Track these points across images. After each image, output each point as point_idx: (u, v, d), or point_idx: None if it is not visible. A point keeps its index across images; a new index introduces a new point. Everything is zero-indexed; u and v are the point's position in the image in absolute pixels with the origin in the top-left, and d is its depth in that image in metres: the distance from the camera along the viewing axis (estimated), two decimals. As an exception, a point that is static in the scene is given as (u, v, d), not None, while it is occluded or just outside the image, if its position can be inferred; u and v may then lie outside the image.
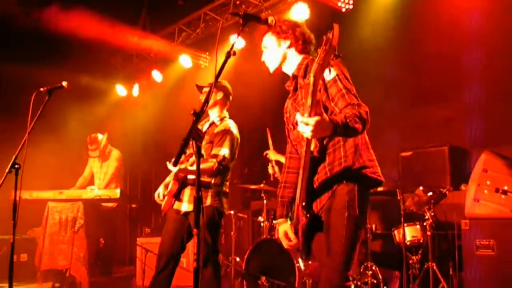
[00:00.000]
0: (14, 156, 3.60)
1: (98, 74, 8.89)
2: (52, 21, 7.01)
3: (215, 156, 4.28)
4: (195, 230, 1.97)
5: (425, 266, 5.00)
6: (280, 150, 5.67)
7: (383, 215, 5.99)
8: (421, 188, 5.08)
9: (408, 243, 5.14)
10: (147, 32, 8.21)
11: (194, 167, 4.09)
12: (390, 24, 6.21)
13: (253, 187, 6.09)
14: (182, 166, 4.16)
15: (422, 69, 6.19)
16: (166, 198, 4.37)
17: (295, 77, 2.88)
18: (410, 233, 5.17)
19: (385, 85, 6.25)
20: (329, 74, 2.62)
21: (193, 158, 4.19)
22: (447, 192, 5.07)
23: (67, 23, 7.08)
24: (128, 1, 7.98)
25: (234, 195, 8.11)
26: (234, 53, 2.40)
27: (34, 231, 7.17)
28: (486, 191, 4.56)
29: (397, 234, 5.27)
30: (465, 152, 5.86)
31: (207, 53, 8.25)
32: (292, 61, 2.90)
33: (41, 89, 3.85)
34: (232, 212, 6.30)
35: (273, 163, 5.67)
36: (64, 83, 4.00)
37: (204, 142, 4.40)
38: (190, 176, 4.38)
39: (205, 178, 4.33)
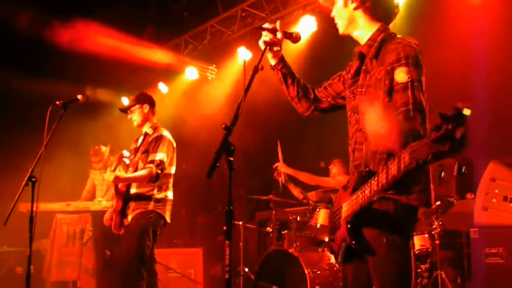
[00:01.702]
0: (30, 169, 3.63)
1: (104, 86, 8.95)
2: (60, 34, 7.08)
3: (152, 161, 4.32)
4: (226, 242, 1.88)
5: (434, 274, 5.03)
6: (289, 163, 5.70)
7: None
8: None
9: (416, 252, 5.17)
10: (153, 44, 8.28)
11: (128, 174, 4.22)
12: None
13: (263, 198, 6.12)
14: (118, 172, 4.11)
15: (428, 78, 6.22)
16: (113, 218, 4.36)
17: (361, 55, 2.44)
18: (418, 242, 5.19)
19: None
20: (403, 75, 2.22)
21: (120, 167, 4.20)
22: (454, 201, 5.11)
23: (73, 36, 7.15)
24: (134, 13, 8.04)
25: (239, 206, 8.16)
26: (262, 68, 2.34)
27: (41, 243, 7.19)
28: (494, 200, 4.62)
29: (405, 243, 5.30)
30: (469, 161, 5.90)
31: (214, 65, 8.31)
32: (364, 29, 2.44)
33: (57, 102, 3.88)
34: (240, 222, 6.34)
35: (283, 176, 5.69)
36: (79, 97, 4.05)
37: (139, 154, 4.45)
38: (133, 191, 4.40)
39: (145, 189, 4.36)
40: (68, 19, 7.08)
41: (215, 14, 7.61)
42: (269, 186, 6.45)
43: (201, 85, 8.48)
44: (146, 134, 4.61)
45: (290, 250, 5.12)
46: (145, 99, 4.67)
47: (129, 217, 4.37)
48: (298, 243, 5.29)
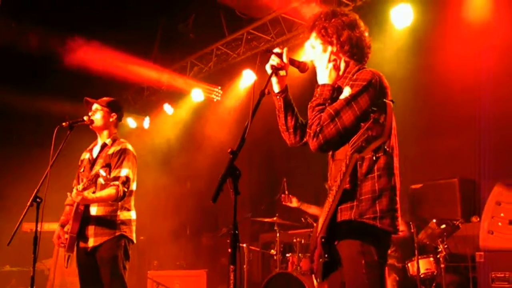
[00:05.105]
0: (36, 190, 3.62)
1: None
2: (67, 54, 7.17)
3: (117, 178, 3.94)
4: (231, 267, 1.80)
5: (440, 298, 4.98)
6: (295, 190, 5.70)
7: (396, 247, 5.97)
8: (434, 220, 5.09)
9: (422, 276, 5.12)
10: (159, 65, 8.36)
11: (95, 195, 3.86)
12: (402, 55, 6.24)
13: (266, 220, 6.10)
14: (86, 193, 3.75)
15: (433, 100, 6.21)
16: (68, 238, 3.93)
17: (339, 88, 2.49)
18: (423, 265, 5.16)
19: (396, 117, 6.28)
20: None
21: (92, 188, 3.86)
22: (459, 224, 5.08)
23: (80, 56, 7.23)
24: (141, 35, 8.13)
25: (243, 228, 8.12)
26: (269, 92, 2.33)
27: (43, 263, 7.17)
28: (500, 223, 4.59)
29: (411, 266, 5.26)
30: (474, 183, 5.87)
31: (219, 87, 8.37)
32: (341, 69, 2.55)
33: (63, 123, 3.89)
34: (244, 245, 6.31)
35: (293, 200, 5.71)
36: (85, 118, 4.09)
37: (98, 167, 4.02)
38: (93, 211, 3.97)
39: (107, 209, 3.97)
40: (75, 39, 7.17)
41: (221, 36, 7.69)
42: (274, 208, 6.43)
43: (207, 107, 8.53)
44: (104, 145, 4.21)
45: (294, 273, 5.08)
46: (117, 109, 4.30)
47: (91, 241, 3.94)
48: (302, 266, 5.26)
